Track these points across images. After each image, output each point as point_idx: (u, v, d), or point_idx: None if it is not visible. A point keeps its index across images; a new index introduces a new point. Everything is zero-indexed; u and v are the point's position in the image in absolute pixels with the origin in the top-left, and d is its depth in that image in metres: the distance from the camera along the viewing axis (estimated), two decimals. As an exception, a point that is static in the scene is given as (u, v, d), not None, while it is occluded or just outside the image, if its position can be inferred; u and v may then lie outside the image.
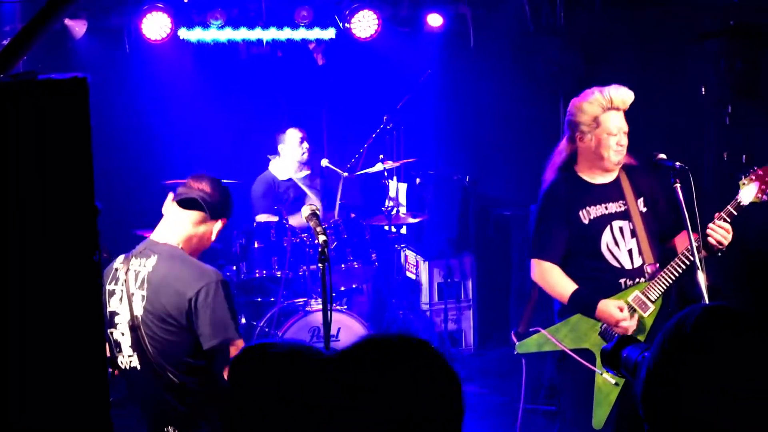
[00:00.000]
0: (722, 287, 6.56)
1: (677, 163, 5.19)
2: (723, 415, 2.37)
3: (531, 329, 5.54)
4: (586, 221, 5.36)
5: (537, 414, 7.40)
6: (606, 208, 5.41)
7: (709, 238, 5.20)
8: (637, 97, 5.41)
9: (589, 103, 5.37)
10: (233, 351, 4.45)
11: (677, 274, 5.26)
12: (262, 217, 8.39)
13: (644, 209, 5.46)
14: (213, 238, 4.76)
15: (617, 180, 5.49)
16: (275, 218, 8.08)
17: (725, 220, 5.21)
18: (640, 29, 8.99)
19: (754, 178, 5.28)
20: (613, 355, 3.11)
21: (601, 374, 5.20)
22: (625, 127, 5.37)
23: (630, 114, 5.44)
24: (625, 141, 5.37)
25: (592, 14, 9.20)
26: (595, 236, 5.35)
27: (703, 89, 8.62)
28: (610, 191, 5.46)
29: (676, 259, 5.25)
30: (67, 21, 8.45)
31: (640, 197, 5.48)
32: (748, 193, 5.27)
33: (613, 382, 5.19)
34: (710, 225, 5.20)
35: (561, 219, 5.39)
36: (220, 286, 4.50)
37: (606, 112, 5.33)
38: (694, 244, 5.04)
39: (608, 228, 5.37)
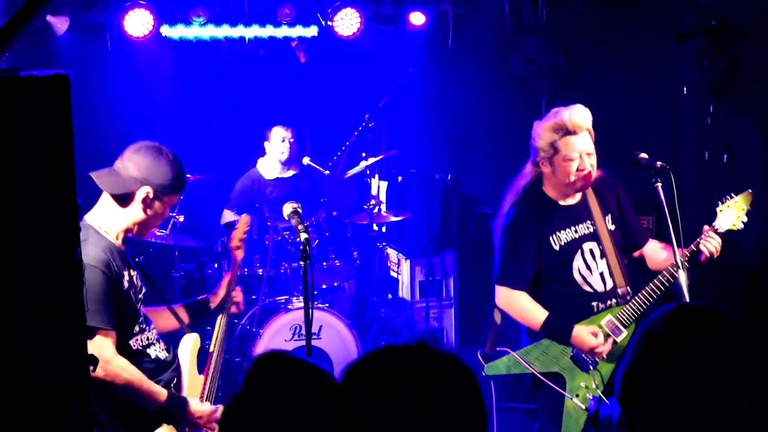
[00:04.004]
0: (703, 287, 6.59)
1: (658, 163, 5.18)
2: (690, 407, 2.49)
3: (498, 349, 5.42)
4: (557, 247, 5.25)
5: (518, 412, 7.41)
6: (576, 231, 5.29)
7: (702, 246, 5.13)
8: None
9: (544, 129, 5.18)
10: (100, 340, 4.30)
11: (652, 299, 5.20)
12: (227, 216, 8.37)
13: (612, 227, 5.37)
14: (140, 210, 4.54)
15: (584, 199, 5.37)
16: (237, 217, 8.05)
17: (716, 232, 5.17)
18: (621, 28, 9.02)
19: (730, 205, 5.27)
20: (594, 420, 3.20)
21: (571, 399, 5.15)
22: (589, 149, 5.18)
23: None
24: (588, 164, 5.16)
25: (573, 13, 9.22)
26: (566, 262, 5.25)
27: (685, 89, 8.66)
28: (578, 212, 5.34)
29: (651, 284, 5.18)
30: (49, 17, 8.40)
31: (608, 214, 5.39)
32: (725, 220, 5.25)
33: (583, 407, 5.12)
34: (708, 233, 5.14)
35: (529, 245, 5.24)
36: (91, 272, 4.30)
37: (562, 137, 5.13)
38: (675, 243, 5.04)
39: (579, 252, 5.27)
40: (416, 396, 2.13)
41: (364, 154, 8.51)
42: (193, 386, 4.80)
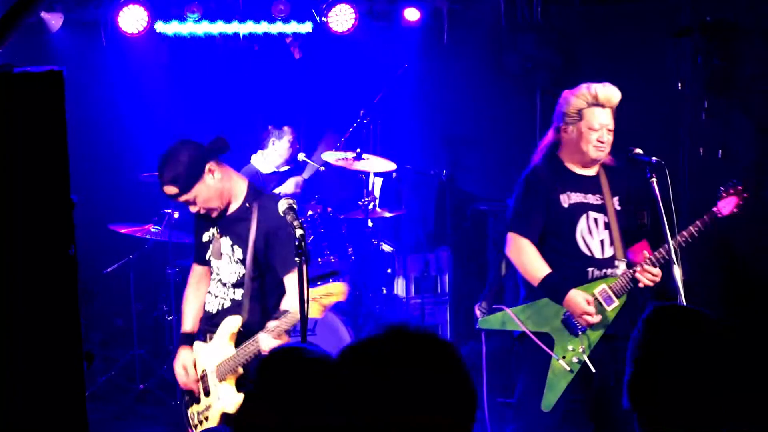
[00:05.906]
0: (698, 282, 6.60)
1: (653, 158, 5.33)
2: (685, 403, 2.64)
3: (495, 306, 5.64)
4: (565, 205, 5.46)
5: (511, 408, 7.41)
6: (585, 197, 5.50)
7: (638, 276, 5.36)
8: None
9: (575, 96, 5.47)
10: None
11: None
12: None
13: (618, 207, 5.56)
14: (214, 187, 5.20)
15: (597, 176, 5.58)
16: None
17: (653, 265, 5.34)
18: (616, 25, 9.02)
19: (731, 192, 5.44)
20: None
21: (558, 360, 5.34)
22: (610, 125, 5.46)
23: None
24: (607, 138, 5.45)
25: (568, 9, 9.22)
26: (571, 221, 5.45)
27: (680, 85, 8.66)
28: (590, 184, 5.55)
29: (645, 261, 5.34)
30: (43, 14, 8.41)
31: (616, 196, 5.58)
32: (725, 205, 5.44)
33: (568, 369, 5.34)
34: (640, 267, 5.36)
35: (542, 199, 5.47)
36: None
37: (590, 107, 5.43)
38: (670, 239, 5.11)
39: (585, 216, 5.47)
40: (399, 376, 2.14)
41: (358, 150, 8.49)
42: (212, 354, 5.26)
